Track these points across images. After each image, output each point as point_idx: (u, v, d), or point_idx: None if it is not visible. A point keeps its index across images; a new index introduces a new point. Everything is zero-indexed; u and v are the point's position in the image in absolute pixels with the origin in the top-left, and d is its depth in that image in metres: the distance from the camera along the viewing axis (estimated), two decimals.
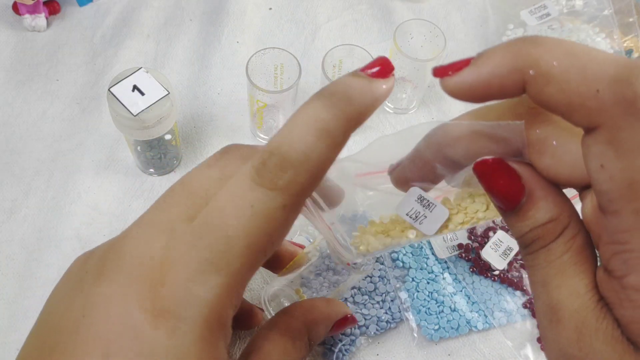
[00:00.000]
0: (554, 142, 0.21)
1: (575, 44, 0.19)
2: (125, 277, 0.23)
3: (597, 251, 0.23)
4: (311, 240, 0.45)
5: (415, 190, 0.25)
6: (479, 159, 0.22)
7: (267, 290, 0.39)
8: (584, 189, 0.23)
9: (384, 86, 0.23)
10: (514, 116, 0.22)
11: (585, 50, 0.19)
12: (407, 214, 0.25)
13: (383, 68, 0.24)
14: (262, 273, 0.45)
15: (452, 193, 0.26)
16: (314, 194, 0.27)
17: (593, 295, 0.20)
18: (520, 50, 0.20)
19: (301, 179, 0.22)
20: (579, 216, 0.22)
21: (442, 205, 0.25)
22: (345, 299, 0.43)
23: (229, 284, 0.23)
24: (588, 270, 0.21)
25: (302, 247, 0.39)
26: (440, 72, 0.21)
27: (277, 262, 0.38)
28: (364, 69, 0.23)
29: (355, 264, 0.32)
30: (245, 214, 0.22)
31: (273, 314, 0.33)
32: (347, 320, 0.34)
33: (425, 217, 0.25)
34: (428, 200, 0.25)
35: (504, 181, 0.22)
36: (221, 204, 0.23)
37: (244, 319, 0.39)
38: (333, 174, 0.27)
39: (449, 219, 0.25)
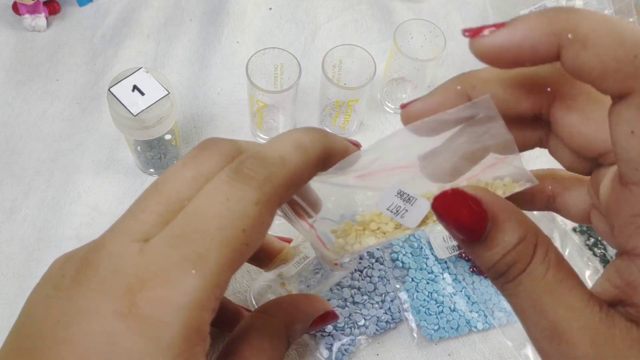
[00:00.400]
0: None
1: (609, 15, 0.20)
2: (102, 284, 0.23)
3: (611, 238, 0.22)
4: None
5: (395, 187, 0.25)
6: (436, 195, 0.22)
7: (253, 287, 0.39)
8: (594, 162, 0.23)
9: (352, 148, 0.27)
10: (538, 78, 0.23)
11: (620, 21, 0.19)
12: (387, 209, 0.25)
13: (355, 143, 0.28)
14: (249, 272, 0.45)
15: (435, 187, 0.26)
16: (299, 201, 0.27)
17: (595, 305, 0.20)
18: (558, 15, 0.20)
19: (275, 180, 0.23)
20: (541, 231, 0.22)
21: (423, 198, 0.25)
22: (345, 299, 0.43)
23: (206, 286, 0.22)
24: (577, 282, 0.21)
25: (288, 241, 0.38)
26: (473, 32, 0.21)
27: (264, 258, 0.38)
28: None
29: (342, 263, 0.32)
30: (220, 208, 0.23)
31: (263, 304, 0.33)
32: (327, 317, 0.34)
33: (407, 210, 0.25)
34: (408, 195, 0.25)
35: (466, 210, 0.21)
36: (197, 204, 0.23)
37: (229, 320, 0.38)
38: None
39: (430, 212, 0.25)
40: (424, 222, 0.26)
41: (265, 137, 0.53)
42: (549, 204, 0.26)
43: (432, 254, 0.46)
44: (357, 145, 0.28)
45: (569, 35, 0.19)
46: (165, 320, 0.22)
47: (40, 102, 0.53)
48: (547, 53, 0.20)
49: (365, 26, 0.62)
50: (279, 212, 0.27)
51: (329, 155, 0.26)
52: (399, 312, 0.44)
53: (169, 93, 0.42)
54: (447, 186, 0.24)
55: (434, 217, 0.25)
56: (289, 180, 0.24)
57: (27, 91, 0.54)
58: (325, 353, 0.42)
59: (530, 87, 0.23)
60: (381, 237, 0.26)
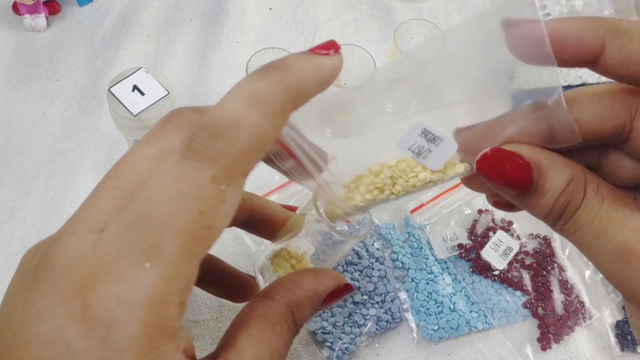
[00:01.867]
0: None
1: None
2: (56, 282, 0.21)
3: None
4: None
5: (419, 124, 0.23)
6: (477, 158, 0.23)
7: (258, 260, 0.37)
8: None
9: (327, 61, 0.23)
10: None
11: None
12: (409, 149, 0.23)
13: (326, 46, 0.23)
14: (248, 254, 0.45)
15: None
16: (312, 154, 0.25)
17: None
18: (600, 18, 0.21)
19: (232, 150, 0.21)
20: (589, 171, 0.23)
21: (450, 139, 0.23)
22: (345, 299, 0.43)
23: (164, 280, 0.20)
24: (634, 206, 0.22)
25: (293, 209, 0.36)
26: (514, 20, 0.22)
27: (266, 229, 0.35)
28: (309, 50, 0.23)
29: (355, 220, 0.29)
30: (171, 191, 0.20)
31: (267, 285, 0.29)
32: (341, 291, 0.30)
33: (430, 151, 0.23)
34: (433, 134, 0.23)
35: (510, 166, 0.22)
36: (149, 187, 0.21)
37: (235, 291, 0.36)
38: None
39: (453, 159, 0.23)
40: (446, 167, 0.23)
41: None
42: (618, 139, 0.24)
43: (432, 254, 0.46)
44: (332, 48, 0.24)
45: (613, 32, 0.20)
46: (121, 321, 0.20)
47: (40, 102, 0.53)
48: (592, 46, 0.21)
49: (365, 26, 0.62)
50: (277, 168, 0.25)
51: (299, 93, 0.22)
52: (399, 312, 0.44)
53: (169, 93, 0.42)
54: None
55: (458, 167, 0.24)
56: (249, 146, 0.21)
57: (27, 91, 0.54)
58: (326, 352, 0.42)
59: (617, 106, 0.23)
60: (395, 189, 0.24)
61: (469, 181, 0.26)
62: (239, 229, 0.46)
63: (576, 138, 0.22)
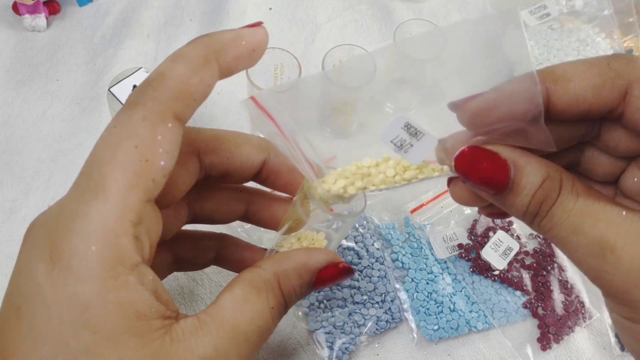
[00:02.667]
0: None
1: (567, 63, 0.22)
2: (33, 238, 0.24)
3: None
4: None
5: (402, 118, 0.24)
6: (455, 155, 0.23)
7: (269, 250, 0.37)
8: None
9: (246, 31, 0.26)
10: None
11: (574, 63, 0.22)
12: (391, 141, 0.24)
13: (251, 25, 0.27)
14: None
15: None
16: (309, 154, 0.27)
17: (633, 216, 0.21)
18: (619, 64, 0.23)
19: (159, 95, 0.24)
20: (564, 169, 0.23)
21: (431, 134, 0.24)
22: (345, 299, 0.43)
23: (112, 210, 0.23)
24: (610, 201, 0.22)
25: (291, 198, 0.36)
26: (458, 102, 0.23)
27: (270, 219, 0.36)
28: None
29: (338, 210, 0.30)
30: (108, 134, 0.24)
31: None
32: (337, 271, 0.30)
33: (412, 145, 0.24)
34: (416, 129, 0.24)
35: (487, 164, 0.22)
36: (97, 141, 0.25)
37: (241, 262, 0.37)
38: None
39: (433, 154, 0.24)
40: (426, 165, 0.24)
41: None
42: (613, 114, 0.24)
43: (432, 254, 0.46)
44: (255, 26, 0.27)
45: (551, 80, 0.22)
46: (80, 250, 0.22)
47: (40, 102, 0.53)
48: (611, 99, 0.22)
49: (365, 26, 0.62)
50: (282, 149, 0.27)
51: (219, 51, 0.25)
52: (399, 312, 0.44)
53: None
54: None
55: (437, 165, 0.25)
56: (175, 90, 0.24)
57: (27, 91, 0.54)
58: (326, 352, 0.42)
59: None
60: (379, 182, 0.26)
61: (457, 195, 0.26)
62: (239, 231, 0.46)
63: (549, 146, 0.23)
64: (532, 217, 0.23)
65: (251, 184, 0.34)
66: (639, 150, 0.24)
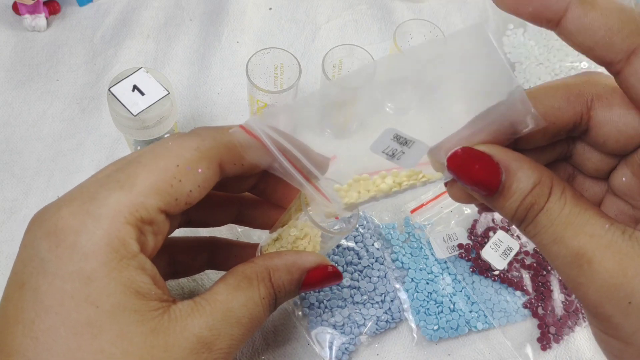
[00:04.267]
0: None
1: None
2: (40, 216, 0.26)
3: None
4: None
5: (391, 130, 0.24)
6: (448, 155, 0.23)
7: (261, 246, 0.38)
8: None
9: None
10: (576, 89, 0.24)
11: None
12: (382, 151, 0.24)
13: None
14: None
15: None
16: (305, 162, 0.27)
17: (617, 230, 0.21)
18: None
19: (219, 139, 0.27)
20: (556, 176, 0.23)
21: (421, 141, 0.24)
22: (345, 299, 0.43)
23: (129, 202, 0.24)
24: (596, 213, 0.22)
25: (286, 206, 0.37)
26: None
27: (263, 220, 0.37)
28: None
29: (343, 217, 0.31)
30: (159, 147, 0.27)
31: None
32: (326, 274, 0.32)
33: (403, 152, 0.24)
34: (405, 138, 0.24)
35: (479, 165, 0.23)
36: (145, 148, 0.28)
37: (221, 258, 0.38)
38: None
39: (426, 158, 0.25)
40: (417, 174, 0.26)
41: None
42: (578, 129, 0.25)
43: (432, 254, 0.46)
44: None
45: None
46: (88, 229, 0.24)
47: (40, 102, 0.53)
48: (555, 6, 0.21)
49: (365, 26, 0.62)
50: (280, 174, 0.28)
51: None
52: (399, 312, 0.44)
53: (169, 93, 0.42)
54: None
55: (429, 169, 0.26)
56: (232, 143, 0.27)
57: (27, 91, 0.54)
58: (326, 352, 0.42)
59: (572, 96, 0.24)
60: (380, 191, 0.27)
61: (453, 193, 0.26)
62: (238, 231, 0.46)
63: (539, 122, 0.22)
64: (519, 222, 0.23)
65: None
66: (628, 148, 0.24)
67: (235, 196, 0.36)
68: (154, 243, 0.27)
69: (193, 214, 0.34)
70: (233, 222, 0.37)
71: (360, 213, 0.35)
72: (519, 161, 0.23)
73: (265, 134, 0.25)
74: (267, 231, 0.36)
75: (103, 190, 0.25)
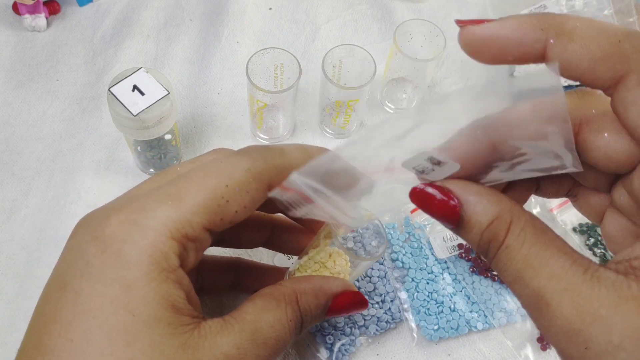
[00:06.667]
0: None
1: (587, 17, 0.21)
2: (86, 221, 0.27)
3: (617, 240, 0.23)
4: None
5: (425, 153, 0.24)
6: (409, 191, 0.24)
7: (289, 272, 0.38)
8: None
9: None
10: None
11: (596, 19, 0.20)
12: (413, 167, 0.24)
13: None
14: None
15: None
16: (329, 192, 0.27)
17: (578, 269, 0.20)
18: (544, 15, 0.21)
19: (270, 161, 0.28)
20: (521, 208, 0.22)
21: (453, 162, 0.23)
22: None
23: (177, 217, 0.25)
24: (557, 251, 0.21)
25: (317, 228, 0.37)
26: (465, 21, 0.22)
27: (292, 246, 0.38)
28: None
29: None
30: (212, 166, 0.27)
31: None
32: (351, 299, 0.32)
33: (433, 170, 0.24)
34: (438, 160, 0.24)
35: (437, 201, 0.23)
36: (196, 163, 0.29)
37: (251, 281, 0.39)
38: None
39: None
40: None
41: (265, 137, 0.53)
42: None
43: (432, 254, 0.46)
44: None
45: (552, 38, 0.20)
46: (134, 239, 0.24)
47: (40, 102, 0.53)
48: (534, 48, 0.20)
49: (365, 26, 0.62)
50: (321, 217, 0.27)
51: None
52: (399, 312, 0.44)
53: (169, 93, 0.42)
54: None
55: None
56: (283, 166, 0.27)
57: (27, 91, 0.54)
58: (325, 353, 0.42)
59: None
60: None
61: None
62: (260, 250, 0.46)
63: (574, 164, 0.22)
64: (483, 255, 0.23)
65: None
66: (620, 171, 0.23)
67: (268, 218, 0.36)
68: (193, 259, 0.27)
69: (227, 233, 0.34)
70: (263, 246, 0.38)
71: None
72: (477, 195, 0.22)
73: (307, 186, 0.25)
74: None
75: (152, 202, 0.25)
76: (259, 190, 0.27)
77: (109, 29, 0.58)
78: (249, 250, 0.46)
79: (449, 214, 0.23)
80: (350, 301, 0.32)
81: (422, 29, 0.52)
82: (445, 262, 0.46)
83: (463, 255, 0.46)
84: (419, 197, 0.24)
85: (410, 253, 0.46)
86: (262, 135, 0.53)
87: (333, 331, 0.42)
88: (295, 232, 0.37)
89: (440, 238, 0.47)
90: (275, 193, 0.27)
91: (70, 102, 0.53)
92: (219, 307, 0.43)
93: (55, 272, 0.26)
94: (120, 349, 0.23)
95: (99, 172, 0.50)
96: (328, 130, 0.54)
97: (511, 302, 0.45)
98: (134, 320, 0.23)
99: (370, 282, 0.44)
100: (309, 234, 0.37)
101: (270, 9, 0.62)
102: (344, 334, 0.42)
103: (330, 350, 0.41)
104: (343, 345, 0.42)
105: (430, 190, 0.23)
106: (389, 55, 0.52)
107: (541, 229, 0.22)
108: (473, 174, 0.24)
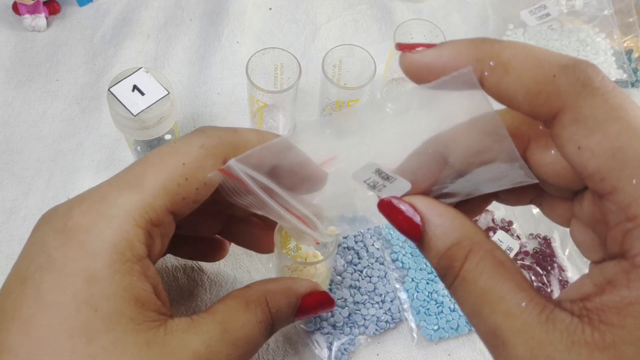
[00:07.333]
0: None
1: (530, 44, 0.20)
2: (50, 215, 0.26)
3: (588, 248, 0.23)
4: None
5: (373, 164, 0.24)
6: (377, 201, 0.23)
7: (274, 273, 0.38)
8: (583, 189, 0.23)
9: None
10: (516, 121, 0.23)
11: (536, 47, 0.20)
12: (364, 181, 0.25)
13: None
14: (249, 271, 0.45)
15: None
16: (275, 187, 0.26)
17: (534, 309, 0.19)
18: (483, 43, 0.20)
19: (225, 138, 0.28)
20: (484, 236, 0.22)
21: (403, 179, 0.24)
22: (345, 299, 0.43)
23: (139, 202, 0.25)
24: (515, 286, 0.20)
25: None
26: (404, 47, 0.22)
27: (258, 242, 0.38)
28: None
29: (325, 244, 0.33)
30: (166, 147, 0.27)
31: None
32: (320, 300, 0.32)
33: (385, 186, 0.24)
34: (387, 174, 0.24)
35: (402, 216, 0.22)
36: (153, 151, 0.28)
37: (209, 251, 0.39)
38: (330, 170, 0.27)
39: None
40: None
41: None
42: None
43: None
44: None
45: (491, 63, 0.20)
46: (99, 228, 0.24)
47: (40, 102, 0.53)
48: (471, 82, 0.20)
49: (365, 26, 0.62)
50: (262, 212, 0.27)
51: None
52: (399, 312, 0.44)
53: (169, 93, 0.42)
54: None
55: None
56: (237, 143, 0.27)
57: (27, 91, 0.54)
58: (325, 353, 0.42)
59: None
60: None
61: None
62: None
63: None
64: (441, 278, 0.22)
65: None
66: (573, 187, 0.23)
67: (221, 209, 0.35)
68: (160, 246, 0.27)
69: (182, 221, 0.33)
70: (220, 235, 0.38)
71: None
72: (441, 217, 0.22)
73: (247, 175, 0.25)
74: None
75: (113, 190, 0.25)
76: (215, 166, 0.26)
77: (109, 29, 0.58)
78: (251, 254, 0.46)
79: (413, 230, 0.22)
80: (316, 300, 0.32)
81: (422, 29, 0.52)
82: None
83: None
84: (385, 209, 0.23)
85: (410, 253, 0.46)
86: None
87: (332, 331, 0.42)
88: (250, 225, 0.37)
89: None
90: (214, 175, 0.26)
91: (70, 102, 0.53)
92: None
93: (16, 267, 0.25)
94: (81, 347, 0.22)
95: (99, 172, 0.50)
96: (328, 130, 0.53)
97: None
98: (96, 316, 0.22)
99: (370, 282, 0.44)
100: (266, 228, 0.37)
101: (270, 9, 0.62)
102: (343, 333, 0.42)
103: (330, 350, 0.41)
104: (343, 344, 0.42)
105: (396, 203, 0.23)
106: (389, 55, 0.52)
107: (500, 262, 0.21)
108: (427, 191, 0.24)
